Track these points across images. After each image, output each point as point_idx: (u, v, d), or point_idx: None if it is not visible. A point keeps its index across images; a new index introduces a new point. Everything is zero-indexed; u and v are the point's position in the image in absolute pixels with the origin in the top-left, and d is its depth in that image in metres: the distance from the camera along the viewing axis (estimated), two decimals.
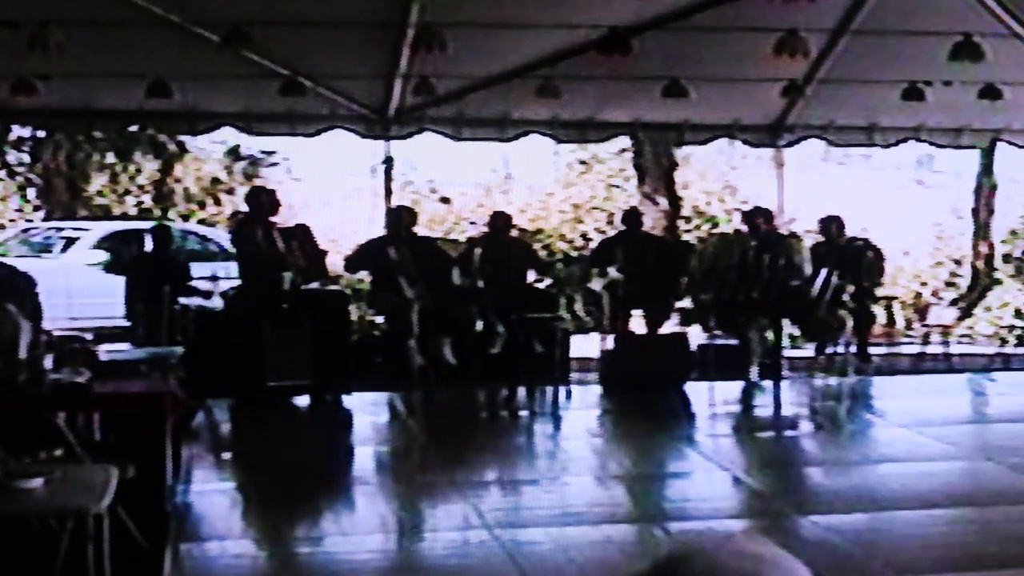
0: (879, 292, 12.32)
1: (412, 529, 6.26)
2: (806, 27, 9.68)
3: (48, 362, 6.28)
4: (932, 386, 11.04)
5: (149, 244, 12.70)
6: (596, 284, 10.90)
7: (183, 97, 10.43)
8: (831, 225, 11.94)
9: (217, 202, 19.71)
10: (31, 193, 19.17)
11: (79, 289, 13.50)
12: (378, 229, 11.53)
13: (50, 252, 15.26)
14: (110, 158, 19.23)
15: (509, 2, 9.82)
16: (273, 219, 10.27)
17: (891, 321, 13.95)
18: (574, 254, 16.76)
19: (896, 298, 14.77)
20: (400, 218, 10.94)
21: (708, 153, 18.35)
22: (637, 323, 11.95)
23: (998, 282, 17.39)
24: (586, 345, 11.10)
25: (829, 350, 11.34)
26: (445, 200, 19.75)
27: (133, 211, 19.16)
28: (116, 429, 6.19)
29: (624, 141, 17.17)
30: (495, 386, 10.16)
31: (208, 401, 8.79)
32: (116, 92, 10.86)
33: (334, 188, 20.63)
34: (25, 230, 16.95)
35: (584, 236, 18.44)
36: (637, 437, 8.73)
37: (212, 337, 9.46)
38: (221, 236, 15.60)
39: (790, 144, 12.64)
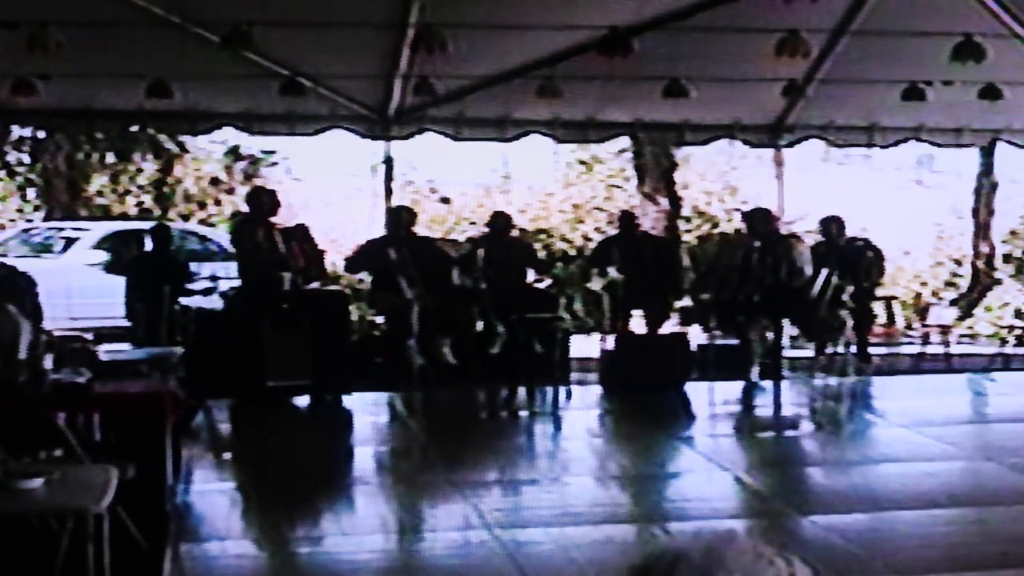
0: (879, 292, 12.32)
1: (412, 529, 6.26)
2: (806, 27, 9.69)
3: (48, 362, 6.29)
4: (932, 386, 11.03)
5: (149, 244, 12.70)
6: (596, 284, 10.91)
7: (183, 97, 10.43)
8: (831, 225, 11.93)
9: (217, 202, 19.70)
10: (31, 193, 19.15)
11: (79, 289, 13.49)
12: (378, 229, 11.53)
13: (50, 252, 15.23)
14: (110, 158, 19.21)
15: (509, 2, 9.82)
16: (273, 219, 10.27)
17: (891, 321, 13.94)
18: (574, 254, 16.77)
19: (896, 298, 14.76)
20: (400, 218, 10.94)
21: (708, 153, 18.34)
22: (637, 323, 11.95)
23: (998, 282, 17.40)
24: (586, 345, 11.11)
25: (829, 350, 11.33)
26: (445, 200, 19.73)
27: (133, 211, 19.15)
28: (116, 429, 6.19)
29: (624, 141, 17.18)
30: (495, 386, 10.16)
31: (208, 401, 8.79)
32: (116, 92, 10.85)
33: (334, 188, 20.65)
34: (25, 230, 16.93)
35: (584, 236, 18.44)
36: (637, 437, 8.73)
37: (212, 337, 9.47)
38: (221, 236, 15.60)
39: (790, 144, 12.64)
